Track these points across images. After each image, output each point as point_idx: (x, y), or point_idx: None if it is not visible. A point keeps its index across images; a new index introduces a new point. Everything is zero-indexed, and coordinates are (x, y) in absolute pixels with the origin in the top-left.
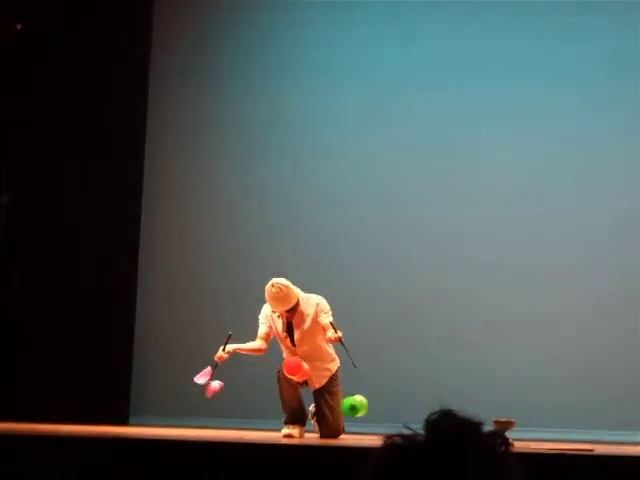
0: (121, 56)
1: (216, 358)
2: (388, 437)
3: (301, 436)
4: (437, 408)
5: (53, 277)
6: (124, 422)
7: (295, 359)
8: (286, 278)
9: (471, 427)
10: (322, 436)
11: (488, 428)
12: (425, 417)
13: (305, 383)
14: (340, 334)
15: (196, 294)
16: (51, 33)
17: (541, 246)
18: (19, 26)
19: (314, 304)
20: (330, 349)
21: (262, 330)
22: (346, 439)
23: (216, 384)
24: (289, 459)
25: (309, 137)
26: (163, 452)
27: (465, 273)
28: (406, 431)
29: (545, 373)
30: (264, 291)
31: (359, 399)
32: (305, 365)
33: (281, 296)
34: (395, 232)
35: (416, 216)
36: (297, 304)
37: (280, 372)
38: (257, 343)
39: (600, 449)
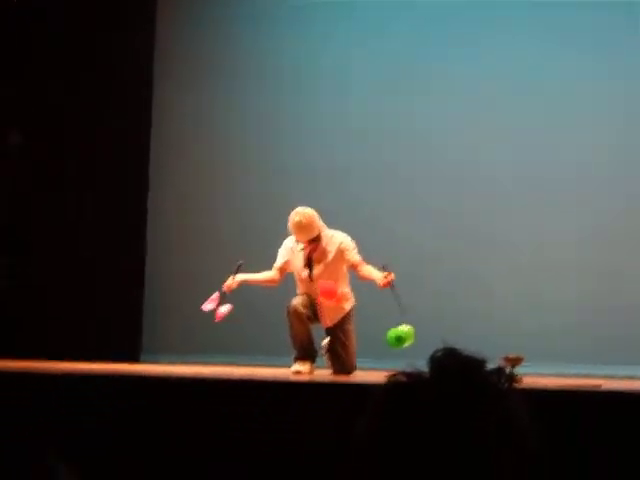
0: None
1: (224, 287)
2: (392, 375)
3: (311, 372)
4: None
5: (64, 217)
6: (135, 359)
7: (330, 282)
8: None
9: (475, 364)
10: (334, 373)
11: (492, 365)
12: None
13: (316, 319)
14: (392, 277)
15: (206, 231)
16: None
17: (552, 210)
18: None
19: (337, 241)
20: (346, 288)
21: (279, 262)
22: (357, 376)
23: (224, 308)
24: (298, 396)
25: (326, 78)
26: (173, 390)
27: (480, 214)
28: (410, 369)
29: (557, 308)
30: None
31: (406, 329)
32: (339, 290)
33: (304, 224)
34: (411, 172)
35: (430, 158)
36: (319, 238)
37: (290, 307)
38: (271, 273)
39: (609, 385)
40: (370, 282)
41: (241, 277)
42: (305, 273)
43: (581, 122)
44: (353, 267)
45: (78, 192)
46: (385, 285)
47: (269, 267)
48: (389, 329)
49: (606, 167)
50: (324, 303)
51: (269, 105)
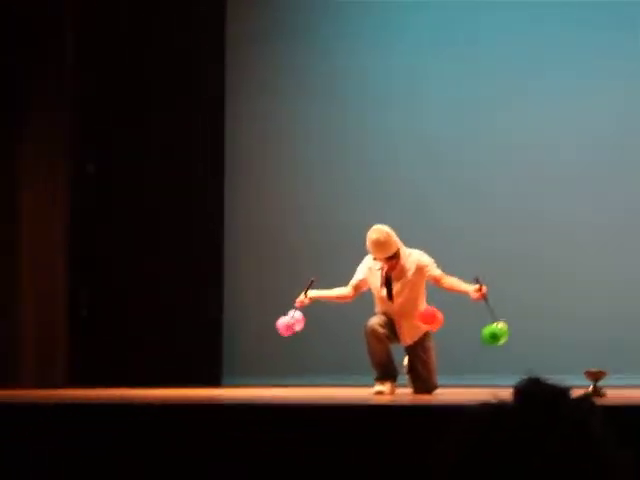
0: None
1: (297, 303)
2: (475, 405)
3: (392, 392)
4: (525, 374)
5: (142, 239)
6: (217, 383)
7: (430, 308)
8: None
9: (560, 393)
10: (416, 392)
11: (576, 393)
12: (515, 381)
13: (395, 338)
14: (485, 290)
15: (283, 252)
16: None
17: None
18: None
19: (415, 259)
20: (425, 306)
21: (356, 278)
22: (439, 394)
23: (296, 315)
24: (381, 417)
25: (399, 88)
26: (252, 416)
27: (552, 225)
28: (494, 399)
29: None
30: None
31: (500, 326)
32: (440, 315)
33: (381, 241)
34: (476, 183)
35: (494, 169)
36: (398, 255)
37: (367, 327)
38: (345, 290)
39: None
40: (453, 296)
41: (313, 293)
42: (384, 292)
43: None
44: (436, 281)
45: (154, 213)
46: (479, 298)
47: (342, 284)
48: (483, 327)
49: None
50: (405, 324)
51: (338, 118)
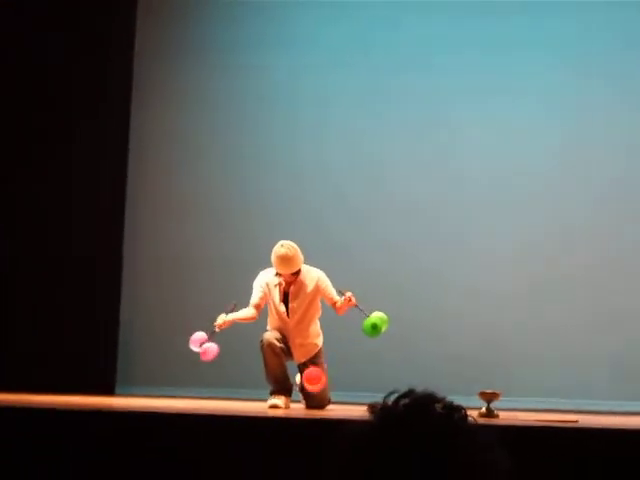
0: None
1: (217, 326)
2: (349, 422)
3: (287, 407)
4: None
5: (36, 243)
6: (110, 392)
7: (316, 369)
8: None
9: (421, 407)
10: (308, 408)
11: (445, 403)
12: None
13: (289, 355)
14: (349, 294)
15: (183, 263)
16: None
17: (529, 220)
18: None
19: (314, 277)
20: (317, 325)
21: (256, 297)
22: (331, 410)
23: (211, 348)
24: (274, 430)
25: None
26: (146, 425)
27: (452, 247)
28: (367, 416)
29: (533, 342)
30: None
31: (378, 315)
32: (324, 377)
33: (289, 257)
34: (383, 210)
35: (405, 193)
36: (299, 272)
37: (264, 341)
38: (251, 311)
39: (585, 420)
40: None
41: (231, 317)
42: (282, 308)
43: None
44: (333, 304)
45: (49, 218)
46: (347, 304)
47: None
48: (363, 320)
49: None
50: (308, 387)
51: (243, 141)
